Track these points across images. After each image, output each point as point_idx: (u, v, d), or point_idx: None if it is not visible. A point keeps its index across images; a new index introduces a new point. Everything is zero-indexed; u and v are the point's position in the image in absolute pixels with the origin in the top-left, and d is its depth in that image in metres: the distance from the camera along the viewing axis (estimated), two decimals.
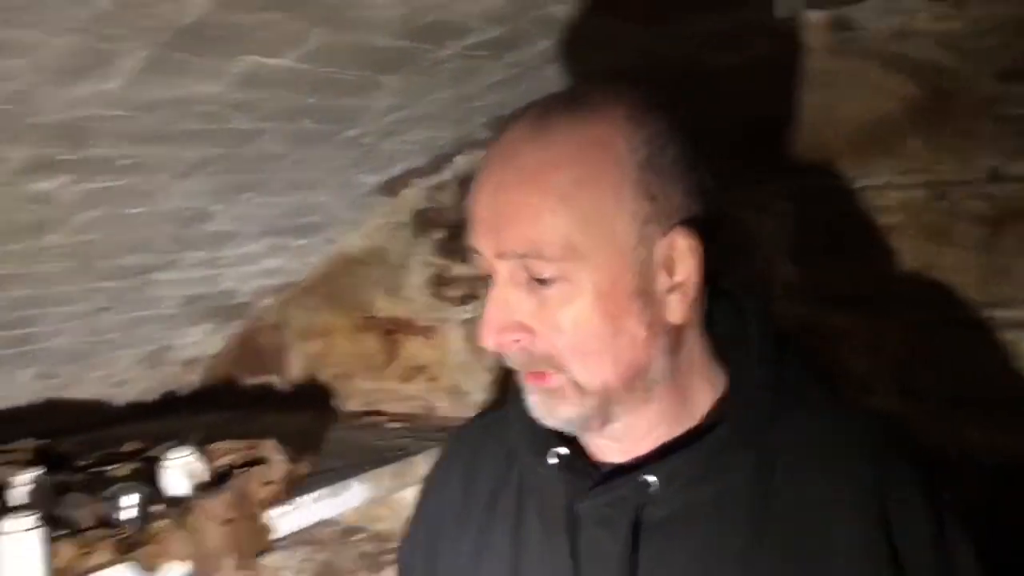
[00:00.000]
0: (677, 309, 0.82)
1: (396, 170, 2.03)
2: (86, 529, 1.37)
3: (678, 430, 0.87)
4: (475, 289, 2.10)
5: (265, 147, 1.60)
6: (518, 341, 0.82)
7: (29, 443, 1.68)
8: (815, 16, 1.63)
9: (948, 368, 1.54)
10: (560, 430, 0.87)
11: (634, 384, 0.82)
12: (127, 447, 1.73)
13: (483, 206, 0.82)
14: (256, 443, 1.59)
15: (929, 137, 1.57)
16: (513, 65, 1.55)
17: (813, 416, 0.87)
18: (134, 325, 2.07)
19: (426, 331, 2.20)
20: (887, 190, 1.60)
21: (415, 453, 1.87)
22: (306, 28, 1.19)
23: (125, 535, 1.37)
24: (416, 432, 2.05)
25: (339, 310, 2.33)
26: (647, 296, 0.81)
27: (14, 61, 1.06)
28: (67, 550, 1.30)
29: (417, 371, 2.22)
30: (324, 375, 2.38)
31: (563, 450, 0.89)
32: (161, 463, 1.54)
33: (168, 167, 1.53)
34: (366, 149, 1.81)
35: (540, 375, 0.82)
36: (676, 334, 0.84)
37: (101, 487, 1.50)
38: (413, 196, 2.16)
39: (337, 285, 2.33)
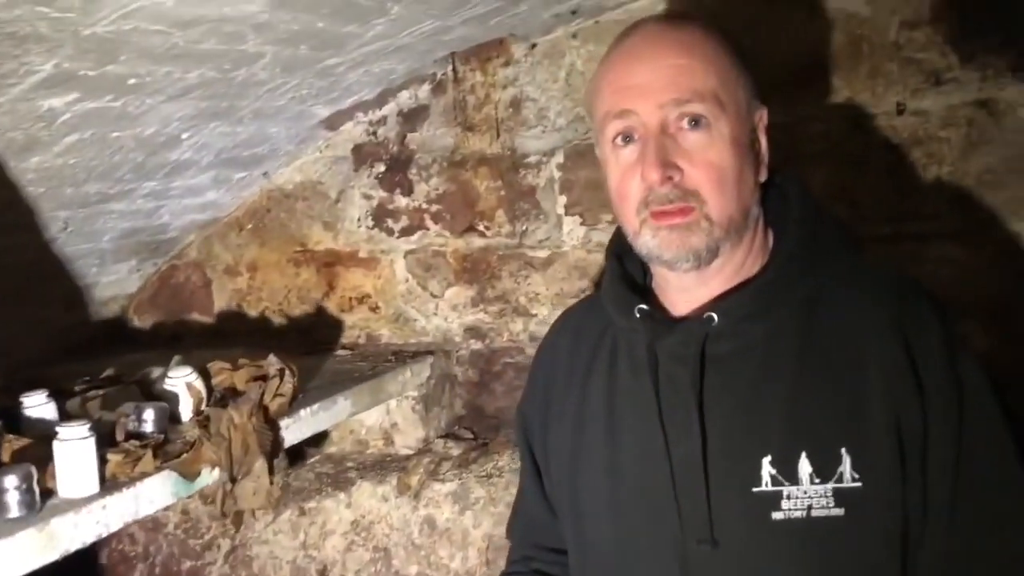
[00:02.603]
0: (762, 171, 1.08)
1: (346, 103, 2.09)
2: (119, 442, 1.40)
3: (736, 282, 1.08)
4: (419, 220, 2.20)
5: (256, 72, 1.63)
6: (671, 178, 1.02)
7: None
8: None
9: None
10: (676, 265, 1.06)
11: (741, 223, 1.06)
12: (106, 374, 1.73)
13: (640, 73, 1.05)
14: (260, 362, 1.65)
15: (846, 75, 1.83)
16: None
17: (844, 267, 1.09)
18: (75, 259, 2.02)
19: (367, 263, 2.28)
20: (811, 123, 1.85)
21: (381, 374, 1.97)
22: None
23: (160, 445, 1.41)
24: (366, 358, 2.13)
25: (270, 245, 2.36)
26: (752, 153, 1.07)
27: None
28: (114, 459, 1.33)
29: (358, 301, 2.30)
30: (253, 310, 2.40)
31: (644, 306, 1.10)
32: (166, 381, 1.57)
33: (166, 89, 1.54)
34: (334, 79, 1.86)
35: (684, 210, 1.03)
36: (757, 192, 1.08)
37: (109, 407, 1.52)
38: (353, 130, 2.22)
39: (267, 220, 2.35)
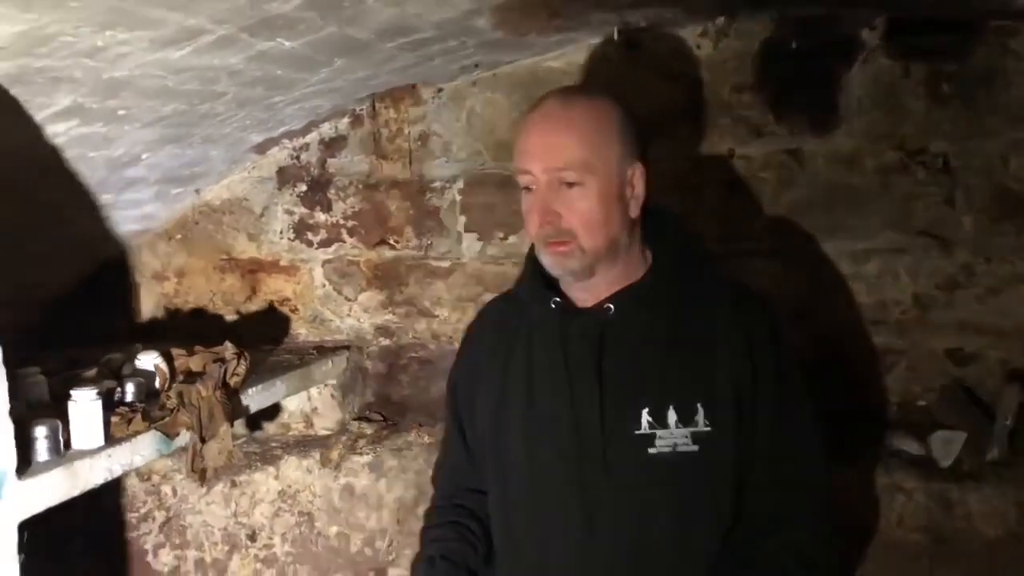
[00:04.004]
0: (635, 209, 1.45)
1: (278, 131, 2.42)
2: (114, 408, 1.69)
3: (625, 284, 1.48)
4: (336, 234, 2.55)
5: (216, 107, 1.96)
6: (551, 222, 1.39)
7: None
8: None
9: None
10: (563, 278, 1.45)
11: (611, 250, 1.43)
12: (69, 359, 2.00)
13: (534, 144, 1.40)
14: (216, 348, 1.97)
15: (689, 126, 2.32)
16: (420, 56, 2.06)
17: (705, 278, 1.51)
18: (24, 264, 2.26)
19: (288, 270, 2.61)
20: (662, 163, 2.32)
21: (308, 364, 2.31)
22: (325, 24, 1.62)
23: (145, 411, 1.71)
24: (291, 352, 2.46)
25: (197, 253, 2.65)
26: (621, 199, 1.42)
27: (138, 33, 1.40)
28: (113, 419, 1.63)
29: (279, 304, 2.62)
30: (179, 311, 2.68)
31: (558, 299, 1.48)
32: (136, 362, 1.87)
33: (143, 118, 1.85)
34: (273, 112, 2.20)
35: (561, 243, 1.40)
36: (632, 224, 1.46)
37: (94, 382, 1.80)
38: (278, 154, 2.55)
39: (196, 231, 2.64)
